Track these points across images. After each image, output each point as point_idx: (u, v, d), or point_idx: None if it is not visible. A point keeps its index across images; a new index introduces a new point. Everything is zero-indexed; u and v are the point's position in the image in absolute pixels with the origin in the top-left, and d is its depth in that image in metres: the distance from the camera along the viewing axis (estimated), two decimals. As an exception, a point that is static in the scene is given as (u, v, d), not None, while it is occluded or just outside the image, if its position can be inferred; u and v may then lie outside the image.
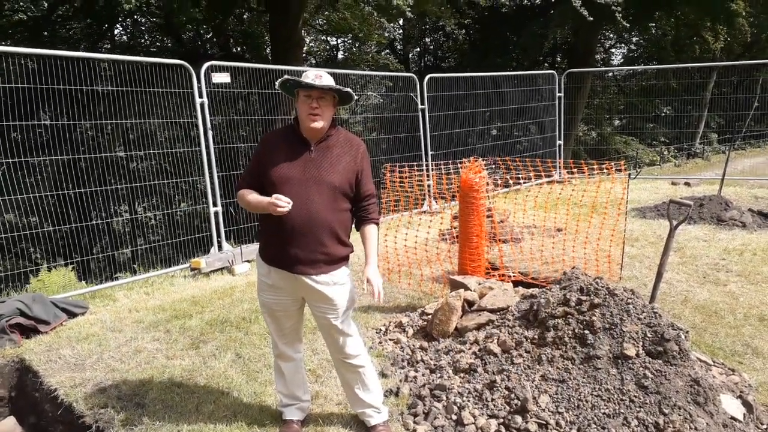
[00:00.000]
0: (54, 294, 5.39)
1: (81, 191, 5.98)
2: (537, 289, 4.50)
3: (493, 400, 3.27)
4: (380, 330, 4.48)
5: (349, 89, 2.83)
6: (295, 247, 2.77)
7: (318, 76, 2.76)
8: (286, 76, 2.83)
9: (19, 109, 5.62)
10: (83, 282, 6.09)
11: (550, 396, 3.20)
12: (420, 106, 9.20)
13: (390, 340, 4.26)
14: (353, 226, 3.02)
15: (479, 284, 4.42)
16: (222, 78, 6.10)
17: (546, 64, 20.76)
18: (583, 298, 3.54)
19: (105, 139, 9.28)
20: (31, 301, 4.68)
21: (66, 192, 5.93)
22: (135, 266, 7.00)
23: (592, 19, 12.04)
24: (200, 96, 6.37)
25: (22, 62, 8.10)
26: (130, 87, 6.27)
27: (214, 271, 6.33)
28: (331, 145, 2.87)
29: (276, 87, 2.92)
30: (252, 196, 2.82)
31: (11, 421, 3.95)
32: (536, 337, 3.55)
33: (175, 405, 3.45)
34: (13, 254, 8.21)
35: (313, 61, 20.21)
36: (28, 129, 6.11)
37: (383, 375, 3.75)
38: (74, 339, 4.48)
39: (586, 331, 3.37)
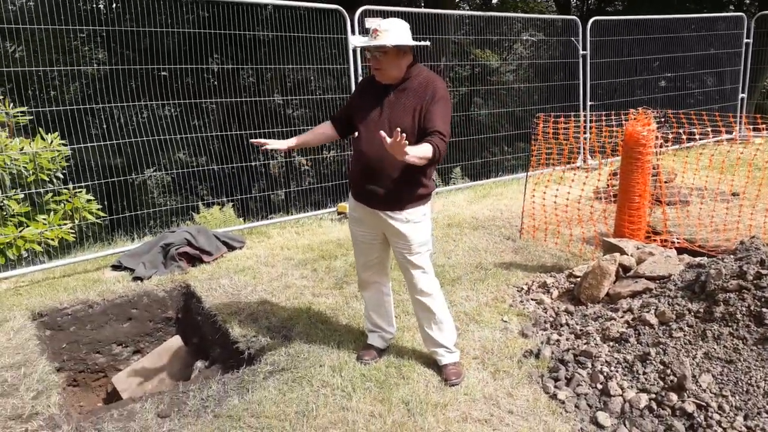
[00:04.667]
0: (215, 228, 5.86)
1: (243, 133, 6.36)
2: (706, 258, 4.03)
3: (645, 373, 3.00)
4: (522, 288, 4.30)
5: (387, 43, 2.77)
6: (372, 185, 2.96)
7: (374, 32, 2.82)
8: (352, 44, 2.91)
9: (193, 55, 6.04)
10: (241, 219, 6.56)
11: (713, 376, 2.86)
12: (581, 52, 8.49)
13: (532, 300, 4.07)
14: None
15: (637, 249, 4.04)
16: (375, 23, 6.04)
17: (731, 7, 18.16)
18: (764, 271, 3.09)
19: (264, 85, 9.76)
20: (196, 232, 5.12)
21: (229, 133, 6.35)
22: (288, 208, 7.40)
23: None
24: (353, 42, 6.39)
25: (197, 11, 8.70)
26: (289, 33, 6.45)
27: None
28: (407, 88, 2.94)
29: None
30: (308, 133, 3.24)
31: (177, 339, 4.39)
32: (701, 310, 3.17)
33: (319, 340, 3.59)
34: (184, 189, 9.08)
35: (467, 7, 19.56)
36: (199, 73, 6.57)
37: (523, 335, 3.60)
38: (232, 270, 4.84)
39: (765, 309, 2.94)
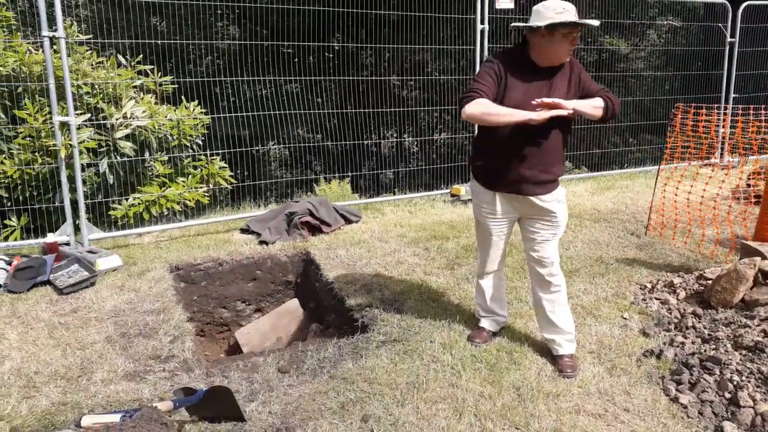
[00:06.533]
0: (333, 201, 6.07)
1: (358, 111, 6.48)
2: None
3: (782, 388, 2.78)
4: (645, 287, 4.10)
5: (596, 22, 2.85)
6: (528, 169, 2.91)
7: (567, 11, 2.75)
8: (559, 19, 2.70)
9: (317, 33, 6.22)
10: (356, 195, 6.74)
11: None
12: (729, 39, 7.81)
13: (656, 299, 3.87)
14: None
15: (781, 254, 3.72)
16: (506, 4, 5.92)
17: None
18: None
19: (382, 65, 9.88)
20: (318, 204, 5.35)
21: (346, 111, 6.50)
22: (395, 188, 7.50)
23: None
24: (482, 22, 6.30)
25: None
26: (415, 12, 6.46)
27: (472, 200, 6.44)
28: (562, 71, 2.92)
29: (521, 24, 2.93)
30: (504, 108, 2.77)
31: (295, 302, 4.63)
32: None
33: (430, 317, 3.64)
34: (300, 164, 9.45)
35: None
36: (321, 51, 6.77)
37: (644, 334, 3.45)
38: (348, 242, 5.01)
39: None
